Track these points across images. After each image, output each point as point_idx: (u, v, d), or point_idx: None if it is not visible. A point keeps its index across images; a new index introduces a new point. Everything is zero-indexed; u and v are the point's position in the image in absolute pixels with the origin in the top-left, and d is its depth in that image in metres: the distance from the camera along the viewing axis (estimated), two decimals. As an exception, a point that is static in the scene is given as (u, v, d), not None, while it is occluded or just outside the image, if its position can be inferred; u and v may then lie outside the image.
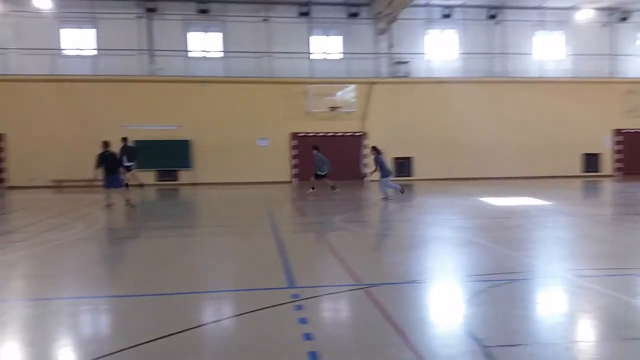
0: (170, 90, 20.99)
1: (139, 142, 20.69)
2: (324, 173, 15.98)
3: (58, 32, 21.00)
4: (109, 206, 12.64)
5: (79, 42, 21.16)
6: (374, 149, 14.67)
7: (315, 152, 16.06)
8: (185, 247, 8.25)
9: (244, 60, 21.62)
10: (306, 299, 4.98)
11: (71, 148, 19.68)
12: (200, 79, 21.20)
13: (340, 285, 5.51)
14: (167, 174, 21.30)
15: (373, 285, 5.48)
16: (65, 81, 20.39)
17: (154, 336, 4.04)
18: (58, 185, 19.85)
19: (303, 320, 4.34)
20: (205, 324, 4.53)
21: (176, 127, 20.94)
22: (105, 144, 12.67)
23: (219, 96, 21.31)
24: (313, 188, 16.05)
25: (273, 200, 15.52)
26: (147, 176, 21.04)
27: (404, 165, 22.71)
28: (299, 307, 4.71)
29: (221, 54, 22.04)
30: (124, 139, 16.48)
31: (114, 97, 20.55)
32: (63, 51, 21.09)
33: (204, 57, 21.99)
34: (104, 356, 3.71)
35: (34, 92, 20.19)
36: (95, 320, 4.79)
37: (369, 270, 6.35)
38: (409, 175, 22.51)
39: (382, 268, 6.47)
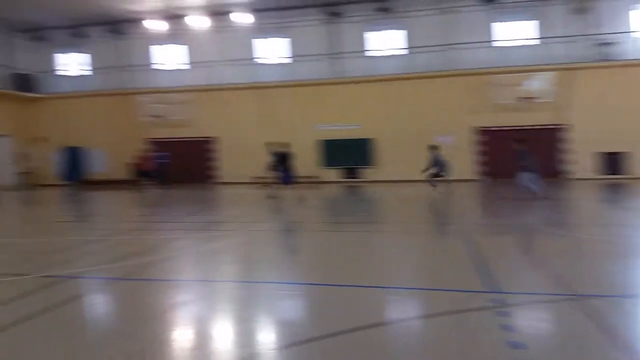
0: (353, 90, 21.70)
1: (326, 142, 21.87)
2: (441, 174, 15.14)
3: (255, 43, 23.27)
4: (272, 197, 14.59)
5: (272, 50, 23.18)
6: (518, 141, 13.52)
7: (434, 151, 15.38)
8: (373, 242, 8.36)
9: (425, 54, 21.24)
10: (508, 305, 4.57)
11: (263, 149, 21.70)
12: (382, 78, 21.45)
13: (547, 294, 4.92)
14: (351, 171, 22.08)
15: (586, 295, 4.78)
16: (262, 88, 22.56)
17: (346, 327, 4.10)
18: (259, 182, 22.00)
19: (506, 327, 3.98)
20: (397, 321, 4.46)
21: (359, 126, 21.57)
22: (283, 145, 14.69)
23: (400, 93, 21.30)
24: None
25: (458, 199, 14.90)
26: (333, 174, 22.12)
27: (615, 162, 19.74)
28: (501, 313, 4.34)
29: (400, 51, 21.97)
30: (272, 144, 17.76)
31: (303, 100, 22.07)
32: (259, 60, 23.31)
33: (386, 55, 22.18)
34: (303, 342, 3.89)
35: (237, 99, 22.79)
36: (293, 305, 5.08)
37: (579, 278, 5.58)
38: (621, 173, 19.51)
39: (595, 277, 5.62)
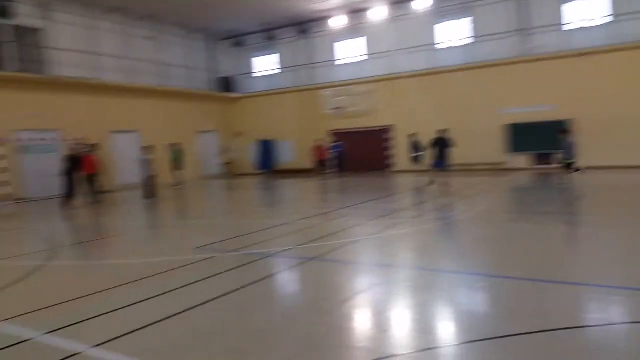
0: (545, 68, 19.62)
1: (514, 126, 20.24)
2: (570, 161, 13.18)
3: (435, 28, 22.56)
4: (431, 183, 14.70)
5: (452, 34, 22.21)
6: None
7: (565, 135, 13.53)
8: (572, 234, 7.41)
9: (637, 22, 18.13)
10: None
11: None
12: (578, 52, 18.97)
13: None
14: (543, 157, 20.05)
15: None
16: (440, 73, 21.81)
17: (535, 327, 3.68)
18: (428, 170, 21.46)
19: None
20: (606, 324, 3.82)
21: (552, 107, 19.43)
22: (441, 131, 14.62)
23: (605, 68, 18.54)
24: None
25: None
26: (521, 161, 20.41)
27: None
28: None
29: (606, 20, 19.09)
30: (413, 135, 18.14)
31: (486, 83, 20.72)
32: (439, 45, 22.55)
33: (586, 26, 19.52)
34: (498, 337, 3.57)
35: (415, 86, 22.41)
36: (483, 297, 4.75)
37: None
38: None
39: None
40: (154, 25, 23.58)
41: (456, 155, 16.29)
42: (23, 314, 4.60)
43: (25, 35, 18.96)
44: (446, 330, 3.99)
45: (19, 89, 17.78)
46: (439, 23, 22.36)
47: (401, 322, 4.17)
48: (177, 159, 20.01)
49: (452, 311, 4.38)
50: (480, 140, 20.59)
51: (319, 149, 22.08)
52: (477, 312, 4.37)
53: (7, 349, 3.78)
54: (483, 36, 21.06)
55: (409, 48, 22.59)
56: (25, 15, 18.55)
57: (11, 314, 4.58)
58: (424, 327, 3.99)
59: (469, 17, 21.59)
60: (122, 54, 22.07)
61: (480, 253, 6.61)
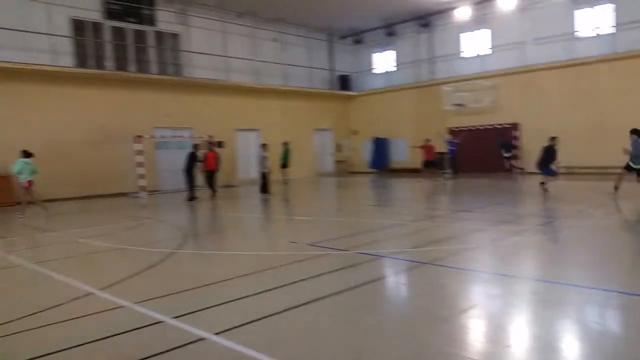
0: None
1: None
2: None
3: (573, 15, 20.55)
4: (545, 190, 13.74)
5: (593, 21, 20.06)
6: None
7: (634, 136, 12.14)
8: None
9: None
10: None
11: (580, 134, 19.10)
12: None
13: None
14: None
15: None
16: (575, 65, 19.86)
17: None
18: (569, 172, 19.66)
19: None
20: None
21: None
22: (552, 138, 14.09)
23: None
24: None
25: None
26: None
27: None
28: None
29: None
30: (502, 134, 17.96)
31: (630, 76, 18.44)
32: (577, 34, 20.52)
33: None
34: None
35: (546, 79, 20.70)
36: (608, 316, 4.26)
37: None
38: None
39: None
40: (279, 26, 24.55)
41: (591, 157, 14.75)
42: (155, 298, 5.03)
43: (165, 40, 20.90)
44: (573, 350, 3.59)
45: (158, 90, 19.66)
46: (580, 9, 20.30)
47: (524, 338, 3.83)
48: (285, 156, 20.73)
49: (581, 330, 3.95)
50: (622, 140, 18.42)
51: (427, 148, 20.60)
52: (609, 333, 3.90)
53: (143, 329, 4.14)
54: (626, 23, 18.70)
55: (542, 38, 20.82)
56: (165, 21, 20.46)
57: (145, 296, 5.04)
58: (548, 346, 3.62)
59: (611, 3, 19.34)
60: (250, 56, 23.34)
61: (615, 267, 5.87)
